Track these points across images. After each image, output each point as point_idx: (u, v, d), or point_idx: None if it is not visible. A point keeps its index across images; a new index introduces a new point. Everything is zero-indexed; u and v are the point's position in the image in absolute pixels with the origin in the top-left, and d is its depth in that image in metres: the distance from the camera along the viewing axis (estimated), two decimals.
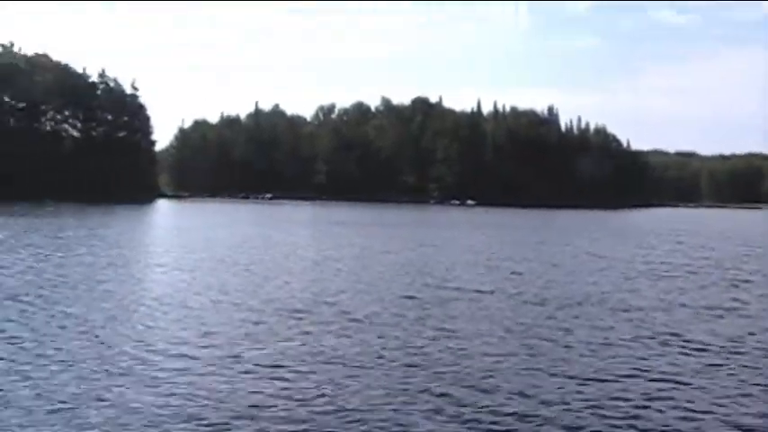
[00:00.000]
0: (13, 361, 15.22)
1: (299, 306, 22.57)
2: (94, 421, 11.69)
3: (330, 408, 12.63)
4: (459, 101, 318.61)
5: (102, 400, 12.71)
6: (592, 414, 12.56)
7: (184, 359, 15.69)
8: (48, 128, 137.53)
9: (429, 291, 26.61)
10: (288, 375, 14.61)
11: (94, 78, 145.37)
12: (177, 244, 46.43)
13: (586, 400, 13.29)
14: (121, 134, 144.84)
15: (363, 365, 15.56)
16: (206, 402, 12.73)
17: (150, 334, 18.40)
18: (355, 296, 25.13)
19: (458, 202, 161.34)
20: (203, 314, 21.05)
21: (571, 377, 15.03)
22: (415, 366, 15.66)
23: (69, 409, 12.26)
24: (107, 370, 14.67)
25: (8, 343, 16.90)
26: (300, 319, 20.62)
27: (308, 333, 18.75)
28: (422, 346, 17.55)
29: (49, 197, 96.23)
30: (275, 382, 14.11)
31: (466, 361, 16.31)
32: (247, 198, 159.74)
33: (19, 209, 75.65)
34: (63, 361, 15.32)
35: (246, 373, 14.73)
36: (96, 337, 17.80)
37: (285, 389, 13.63)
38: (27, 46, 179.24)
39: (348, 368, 15.33)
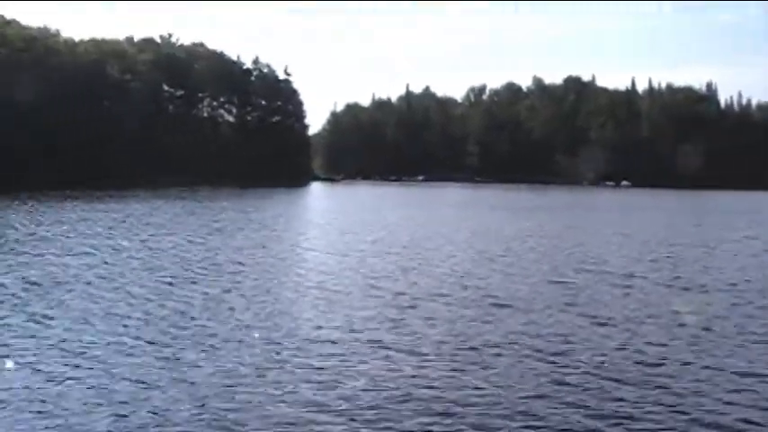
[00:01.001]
0: (168, 345, 14.91)
1: (445, 291, 21.72)
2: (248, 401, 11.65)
3: (473, 395, 12.16)
4: (612, 80, 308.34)
5: (257, 385, 12.52)
6: None
7: (338, 345, 15.23)
8: (205, 114, 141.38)
9: (580, 275, 25.26)
10: (430, 361, 14.13)
11: (248, 65, 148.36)
12: (330, 227, 46.20)
13: None
14: (275, 119, 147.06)
15: (504, 352, 14.83)
16: (367, 388, 12.43)
17: (302, 318, 18.00)
18: (504, 280, 24.07)
19: (612, 183, 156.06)
20: (352, 299, 20.42)
21: (744, 374, 13.29)
22: (561, 354, 14.67)
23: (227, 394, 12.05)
24: (262, 355, 14.40)
25: (162, 328, 16.57)
26: (449, 304, 19.78)
27: (459, 318, 18.06)
28: (569, 334, 16.48)
29: (205, 182, 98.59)
30: (418, 367, 13.67)
31: (618, 351, 15.05)
32: (399, 180, 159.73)
33: (176, 192, 77.63)
34: (219, 347, 14.99)
35: (388, 358, 14.34)
36: (246, 321, 17.45)
37: (425, 374, 13.25)
38: (185, 36, 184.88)
39: (493, 356, 14.57)
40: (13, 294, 20.06)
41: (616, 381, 12.93)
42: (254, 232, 39.64)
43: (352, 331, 16.50)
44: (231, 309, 18.86)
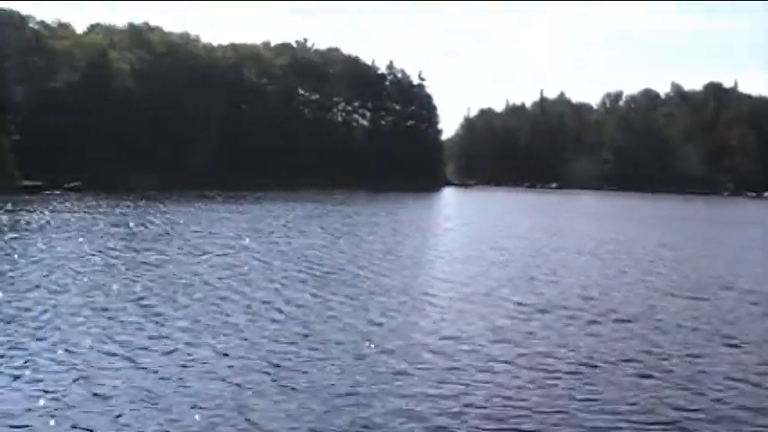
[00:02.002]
0: (286, 352, 14.37)
1: (570, 303, 20.55)
2: (382, 410, 11.29)
3: (591, 414, 11.38)
4: (755, 87, 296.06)
5: (388, 393, 12.10)
6: None
7: (456, 355, 14.55)
8: (339, 118, 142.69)
9: (717, 293, 23.23)
10: (547, 376, 13.36)
11: (383, 70, 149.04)
12: (460, 233, 45.23)
13: None
14: (409, 124, 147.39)
15: (625, 371, 13.79)
16: (484, 402, 11.73)
17: (421, 327, 17.17)
18: (632, 295, 22.43)
19: (754, 194, 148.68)
20: (475, 309, 19.49)
21: None
22: (690, 379, 13.39)
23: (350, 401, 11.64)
24: (378, 364, 13.78)
25: (281, 333, 16.07)
26: (573, 318, 18.62)
27: (583, 333, 17.00)
28: (698, 355, 15.14)
29: (338, 185, 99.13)
30: (536, 382, 12.96)
31: (755, 377, 13.57)
32: (533, 187, 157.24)
33: (309, 196, 78.05)
34: (333, 354, 14.40)
35: (508, 372, 13.54)
36: (364, 328, 16.80)
37: (542, 389, 12.57)
38: (320, 41, 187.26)
39: (614, 375, 13.55)
40: (134, 292, 19.99)
41: (750, 410, 11.70)
42: (383, 237, 39.00)
43: (472, 342, 15.74)
44: (351, 315, 18.20)
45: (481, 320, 17.99)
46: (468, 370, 13.55)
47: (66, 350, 14.00)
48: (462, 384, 12.66)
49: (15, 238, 31.81)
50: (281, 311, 18.27)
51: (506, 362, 14.21)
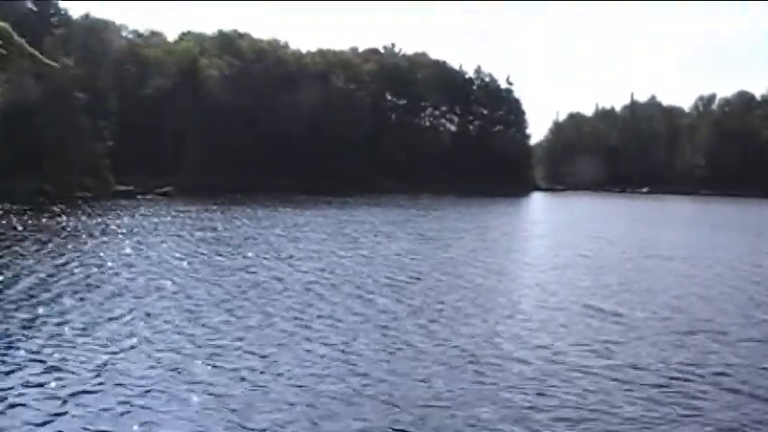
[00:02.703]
0: (373, 360, 13.98)
1: (665, 314, 19.67)
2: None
3: None
4: None
5: (475, 403, 11.81)
6: None
7: (541, 366, 14.10)
8: (427, 123, 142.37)
9: None
10: (633, 389, 12.84)
11: (470, 74, 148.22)
12: (549, 239, 44.29)
13: None
14: (497, 128, 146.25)
15: (714, 387, 13.12)
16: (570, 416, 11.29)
17: (508, 336, 16.66)
18: (724, 308, 21.15)
19: None
20: (563, 318, 18.86)
21: None
22: None
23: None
24: (464, 374, 13.42)
25: (360, 339, 15.69)
26: (665, 331, 17.73)
27: (675, 346, 16.16)
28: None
29: (426, 190, 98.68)
30: (624, 395, 12.50)
31: None
32: (623, 191, 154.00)
33: (397, 200, 77.74)
34: (417, 360, 14.07)
35: (596, 383, 13.01)
36: (447, 336, 16.38)
37: (629, 405, 12.04)
38: (407, 46, 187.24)
39: (705, 392, 12.87)
40: (219, 296, 19.93)
41: None
42: (470, 243, 38.37)
43: (563, 352, 15.25)
44: (437, 322, 17.77)
45: (571, 330, 17.43)
46: (558, 381, 13.10)
47: (151, 352, 13.96)
48: (552, 396, 12.28)
49: (105, 241, 32.23)
50: (365, 317, 17.98)
51: (597, 373, 13.71)
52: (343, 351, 14.68)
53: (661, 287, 24.58)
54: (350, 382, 12.61)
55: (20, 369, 12.72)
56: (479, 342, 15.92)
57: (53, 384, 12.04)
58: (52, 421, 10.62)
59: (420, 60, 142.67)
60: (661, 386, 12.93)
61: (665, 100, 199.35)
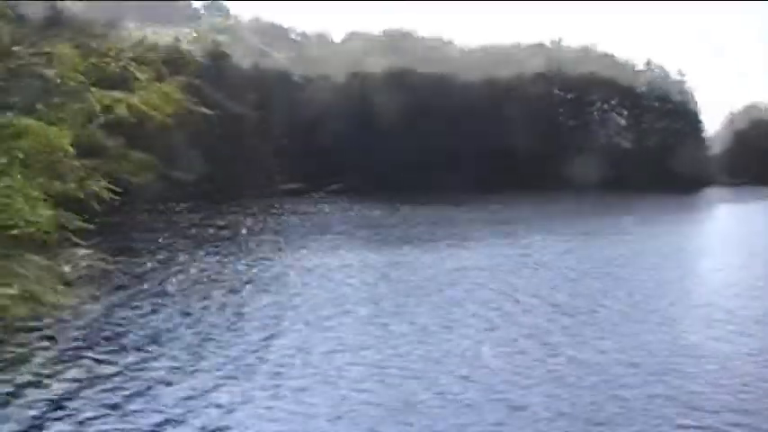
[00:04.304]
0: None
1: None
2: None
3: None
4: None
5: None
6: None
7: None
8: (597, 118, 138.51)
9: None
10: None
11: (640, 67, 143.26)
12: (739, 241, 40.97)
13: None
14: (669, 122, 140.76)
15: None
16: None
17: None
18: None
19: None
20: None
21: None
22: None
23: None
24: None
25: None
26: None
27: None
28: None
29: (598, 186, 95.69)
30: None
31: None
32: None
33: (573, 199, 75.39)
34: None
35: None
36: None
37: None
38: (573, 40, 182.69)
39: None
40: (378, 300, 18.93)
41: None
42: (654, 240, 36.05)
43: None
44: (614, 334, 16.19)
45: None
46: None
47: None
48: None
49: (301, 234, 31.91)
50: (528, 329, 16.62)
51: None
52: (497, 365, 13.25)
53: None
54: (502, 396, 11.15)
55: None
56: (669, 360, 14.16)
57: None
58: None
59: (587, 54, 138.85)
60: None
61: None
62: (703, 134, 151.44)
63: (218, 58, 69.88)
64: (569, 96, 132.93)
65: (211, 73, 64.02)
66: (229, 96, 67.15)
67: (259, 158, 70.03)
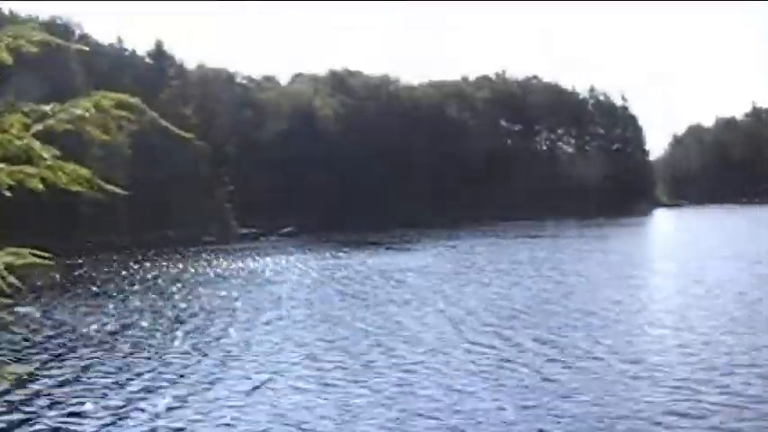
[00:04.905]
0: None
1: None
2: None
3: None
4: None
5: None
6: None
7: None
8: (543, 147, 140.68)
9: None
10: None
11: (584, 94, 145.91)
12: (679, 269, 42.04)
13: None
14: (615, 147, 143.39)
15: None
16: None
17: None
18: None
19: None
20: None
21: None
22: None
23: None
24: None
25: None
26: None
27: None
28: None
29: (546, 215, 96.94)
30: None
31: None
32: (750, 203, 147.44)
33: (516, 227, 76.45)
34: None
35: None
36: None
37: None
38: (519, 71, 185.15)
39: None
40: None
41: None
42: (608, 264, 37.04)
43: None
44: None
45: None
46: None
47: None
48: None
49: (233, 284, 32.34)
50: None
51: None
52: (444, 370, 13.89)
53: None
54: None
55: None
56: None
57: None
58: None
59: (531, 84, 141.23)
60: None
61: None
62: (648, 157, 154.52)
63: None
64: (516, 128, 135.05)
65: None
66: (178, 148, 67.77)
67: (214, 205, 70.50)
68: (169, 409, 13.38)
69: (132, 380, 15.66)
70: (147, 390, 14.75)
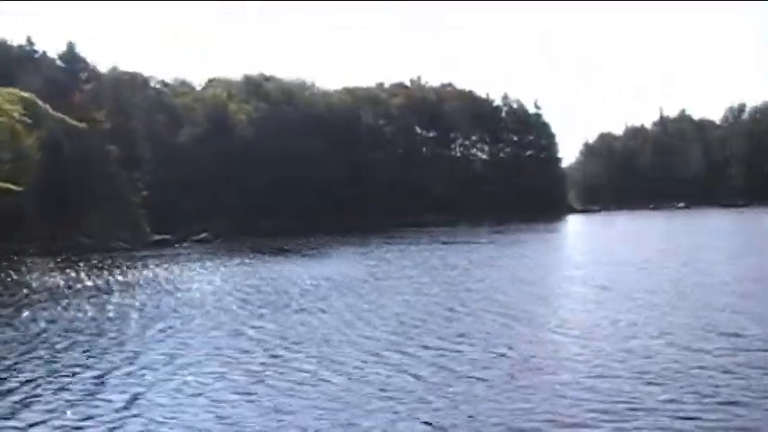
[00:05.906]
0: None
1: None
2: None
3: None
4: None
5: None
6: None
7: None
8: (457, 153, 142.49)
9: None
10: None
11: (498, 102, 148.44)
12: (590, 265, 43.43)
13: None
14: (528, 153, 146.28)
15: None
16: None
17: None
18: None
19: None
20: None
21: None
22: None
23: None
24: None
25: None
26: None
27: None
28: None
29: (461, 220, 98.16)
30: None
31: None
32: (657, 208, 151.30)
33: (436, 232, 77.26)
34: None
35: None
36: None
37: None
38: (433, 78, 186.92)
39: None
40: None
41: None
42: (523, 266, 37.75)
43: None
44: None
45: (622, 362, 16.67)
46: None
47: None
48: None
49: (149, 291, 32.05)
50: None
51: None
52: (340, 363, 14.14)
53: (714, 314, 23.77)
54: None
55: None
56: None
57: None
58: None
59: (447, 91, 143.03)
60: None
61: (696, 113, 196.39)
62: (560, 164, 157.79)
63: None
64: (431, 134, 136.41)
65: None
66: (90, 152, 66.88)
67: (127, 211, 69.56)
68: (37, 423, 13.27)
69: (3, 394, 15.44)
70: (22, 402, 14.60)
